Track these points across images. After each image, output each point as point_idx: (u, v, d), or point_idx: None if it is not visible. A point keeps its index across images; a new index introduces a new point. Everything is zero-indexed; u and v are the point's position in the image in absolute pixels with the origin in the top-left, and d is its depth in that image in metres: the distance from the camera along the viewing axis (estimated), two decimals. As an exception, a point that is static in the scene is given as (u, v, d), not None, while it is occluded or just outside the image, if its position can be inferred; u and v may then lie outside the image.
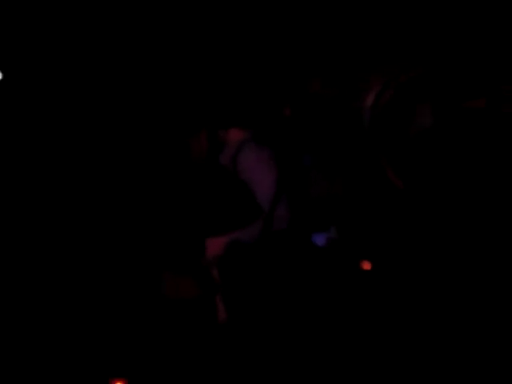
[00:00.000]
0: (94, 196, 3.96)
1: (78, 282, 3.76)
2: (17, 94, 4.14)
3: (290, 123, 3.59)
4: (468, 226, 3.45)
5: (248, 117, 3.51)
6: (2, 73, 3.99)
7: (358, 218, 3.80)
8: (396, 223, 3.62)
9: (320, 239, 3.52)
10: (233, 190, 3.46)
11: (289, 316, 3.40)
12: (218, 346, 3.43)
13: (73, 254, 3.84)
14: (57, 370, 3.58)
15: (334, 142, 4.04)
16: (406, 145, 3.75)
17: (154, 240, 3.58)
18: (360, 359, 3.48)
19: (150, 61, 4.27)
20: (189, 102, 3.69)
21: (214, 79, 3.92)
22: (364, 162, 4.10)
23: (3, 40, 4.13)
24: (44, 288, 3.82)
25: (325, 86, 3.97)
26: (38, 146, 4.16)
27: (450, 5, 4.08)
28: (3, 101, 4.01)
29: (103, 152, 4.13)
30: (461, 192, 3.40)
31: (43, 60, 4.23)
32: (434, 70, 3.86)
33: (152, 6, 4.29)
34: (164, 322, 3.49)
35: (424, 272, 3.45)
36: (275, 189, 3.21)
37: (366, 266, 3.70)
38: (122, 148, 4.21)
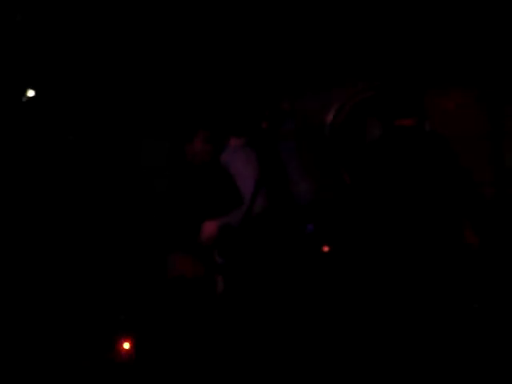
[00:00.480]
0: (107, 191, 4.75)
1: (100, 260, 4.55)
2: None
3: (267, 134, 4.45)
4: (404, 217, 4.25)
5: (240, 128, 4.39)
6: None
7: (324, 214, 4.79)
8: (348, 216, 4.50)
9: (310, 227, 4.53)
10: (223, 183, 4.23)
11: (270, 280, 4.21)
12: (215, 312, 4.26)
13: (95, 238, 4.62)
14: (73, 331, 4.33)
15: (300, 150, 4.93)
16: (357, 152, 4.61)
17: (160, 227, 4.41)
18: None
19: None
20: (186, 116, 4.56)
21: (212, 101, 4.87)
22: (326, 166, 5.09)
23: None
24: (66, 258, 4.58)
25: (293, 106, 4.83)
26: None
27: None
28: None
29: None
30: (398, 189, 3.92)
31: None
32: (380, 94, 4.84)
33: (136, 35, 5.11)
34: (168, 294, 4.31)
35: (367, 252, 4.31)
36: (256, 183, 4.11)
37: (326, 248, 4.70)
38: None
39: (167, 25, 5.20)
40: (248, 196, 4.05)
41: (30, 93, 4.43)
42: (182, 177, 4.42)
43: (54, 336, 4.26)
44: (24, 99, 4.38)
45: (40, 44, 4.89)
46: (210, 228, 4.07)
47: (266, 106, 4.58)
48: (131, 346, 4.19)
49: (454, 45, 5.21)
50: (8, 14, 4.91)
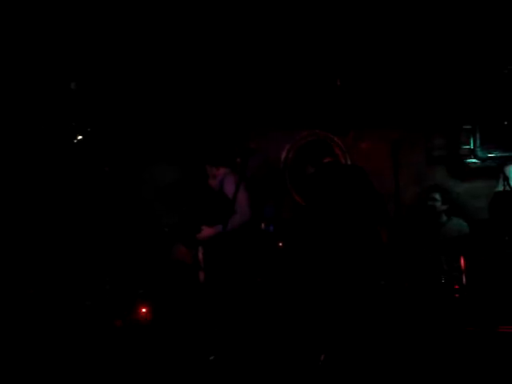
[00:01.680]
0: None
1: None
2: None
3: (241, 166, 5.50)
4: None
5: (225, 161, 5.66)
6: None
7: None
8: (299, 222, 5.62)
9: (271, 228, 5.70)
10: (219, 201, 5.40)
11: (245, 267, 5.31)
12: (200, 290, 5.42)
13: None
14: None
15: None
16: (303, 180, 5.69)
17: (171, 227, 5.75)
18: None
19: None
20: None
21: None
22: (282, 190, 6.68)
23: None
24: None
25: (258, 145, 6.34)
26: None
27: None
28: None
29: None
30: (331, 205, 4.92)
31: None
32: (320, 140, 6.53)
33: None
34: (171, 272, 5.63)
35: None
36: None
37: (280, 244, 5.76)
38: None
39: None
40: (240, 208, 5.20)
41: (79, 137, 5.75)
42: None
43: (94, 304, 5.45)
44: (75, 140, 5.70)
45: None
46: (207, 231, 5.39)
47: (237, 145, 5.91)
48: (147, 311, 5.40)
49: (365, 107, 6.79)
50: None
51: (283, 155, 7.01)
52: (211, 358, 4.86)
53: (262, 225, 5.64)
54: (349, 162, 6.82)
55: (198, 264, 5.50)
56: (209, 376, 4.70)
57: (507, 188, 5.54)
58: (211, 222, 5.42)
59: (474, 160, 6.93)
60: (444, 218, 6.05)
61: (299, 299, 5.14)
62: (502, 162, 6.48)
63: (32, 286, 5.69)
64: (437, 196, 6.07)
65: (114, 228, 5.77)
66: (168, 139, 6.69)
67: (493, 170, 6.67)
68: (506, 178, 5.64)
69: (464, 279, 5.25)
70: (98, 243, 5.84)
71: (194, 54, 6.16)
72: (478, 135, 6.85)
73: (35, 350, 5.00)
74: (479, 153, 6.87)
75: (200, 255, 5.53)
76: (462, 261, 5.30)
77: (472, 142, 6.89)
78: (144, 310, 5.49)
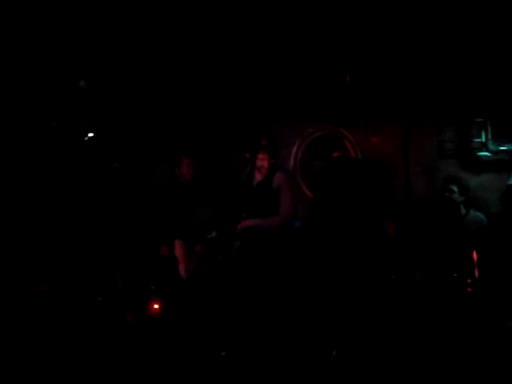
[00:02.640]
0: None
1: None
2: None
3: (251, 163, 5.47)
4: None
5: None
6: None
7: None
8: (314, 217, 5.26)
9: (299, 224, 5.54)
10: (265, 196, 5.21)
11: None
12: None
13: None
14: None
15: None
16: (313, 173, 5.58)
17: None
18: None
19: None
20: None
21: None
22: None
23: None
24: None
25: (268, 142, 5.97)
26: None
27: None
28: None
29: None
30: (342, 198, 4.84)
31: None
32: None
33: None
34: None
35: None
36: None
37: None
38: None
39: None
40: (283, 208, 5.14)
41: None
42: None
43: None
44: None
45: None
46: (247, 222, 5.24)
47: (250, 141, 5.63)
48: (160, 306, 5.45)
49: (376, 100, 6.81)
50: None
51: (294, 150, 7.06)
52: (223, 353, 4.88)
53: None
54: (359, 156, 6.81)
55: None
56: (220, 372, 4.70)
57: (519, 181, 5.49)
58: (251, 214, 5.33)
59: (485, 153, 6.93)
60: (463, 210, 6.01)
61: (311, 294, 5.12)
62: (514, 155, 6.43)
63: (44, 283, 5.75)
64: (454, 187, 6.00)
65: (125, 224, 5.76)
66: (178, 135, 6.76)
67: (505, 163, 6.69)
68: (518, 172, 5.60)
69: (477, 273, 5.22)
70: (110, 239, 5.88)
71: (205, 50, 6.24)
72: (489, 128, 6.87)
73: (46, 346, 5.03)
74: (491, 146, 6.88)
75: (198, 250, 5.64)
76: (475, 255, 5.26)
77: (484, 135, 6.91)
78: (156, 305, 5.53)
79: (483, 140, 6.90)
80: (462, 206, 6.04)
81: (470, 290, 5.22)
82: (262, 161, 5.34)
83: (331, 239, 4.87)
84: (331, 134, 5.23)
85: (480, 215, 6.07)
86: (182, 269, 5.58)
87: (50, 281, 5.79)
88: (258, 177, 5.37)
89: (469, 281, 5.26)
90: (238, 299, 5.23)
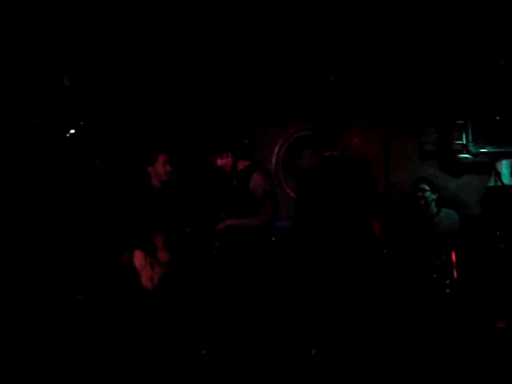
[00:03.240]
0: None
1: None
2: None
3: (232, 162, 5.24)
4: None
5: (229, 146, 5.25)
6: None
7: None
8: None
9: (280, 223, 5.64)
10: (243, 198, 5.06)
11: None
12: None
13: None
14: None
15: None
16: (296, 174, 5.51)
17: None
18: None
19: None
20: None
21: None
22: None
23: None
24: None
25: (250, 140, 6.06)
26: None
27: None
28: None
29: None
30: (329, 198, 4.73)
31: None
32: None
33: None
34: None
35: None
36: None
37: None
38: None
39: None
40: (263, 209, 5.00)
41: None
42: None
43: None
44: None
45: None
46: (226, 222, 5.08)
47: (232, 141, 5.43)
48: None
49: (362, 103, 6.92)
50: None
51: (276, 150, 7.10)
52: (203, 352, 4.89)
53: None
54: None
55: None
56: (201, 370, 4.72)
57: (499, 183, 5.56)
58: (233, 215, 5.17)
59: (466, 155, 7.01)
60: (434, 209, 6.09)
61: (294, 294, 5.19)
62: (494, 158, 6.54)
63: (24, 280, 5.73)
64: (425, 186, 6.07)
65: (104, 222, 5.70)
66: (162, 134, 6.74)
67: (485, 166, 6.77)
68: (498, 174, 5.69)
69: (455, 274, 5.28)
70: (89, 236, 5.80)
71: (187, 47, 6.20)
72: (470, 130, 6.93)
73: (28, 343, 5.03)
74: (471, 148, 6.95)
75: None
76: (454, 256, 5.32)
77: (464, 137, 6.97)
78: None
79: (464, 142, 6.96)
80: (433, 205, 6.09)
81: (448, 291, 5.27)
82: (221, 161, 5.24)
83: (319, 240, 4.79)
84: (329, 131, 5.01)
85: (453, 213, 6.14)
86: (144, 281, 5.06)
87: (30, 278, 5.70)
88: (236, 178, 5.29)
89: (447, 281, 5.30)
90: (218, 298, 5.18)
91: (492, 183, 6.02)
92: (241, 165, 5.26)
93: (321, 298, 4.68)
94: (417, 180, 6.24)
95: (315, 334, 4.75)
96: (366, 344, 4.46)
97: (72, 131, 5.67)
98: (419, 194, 6.10)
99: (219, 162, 5.23)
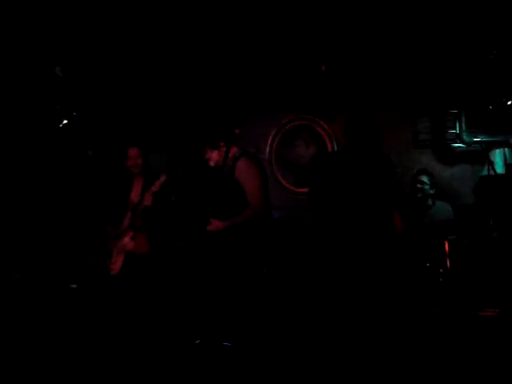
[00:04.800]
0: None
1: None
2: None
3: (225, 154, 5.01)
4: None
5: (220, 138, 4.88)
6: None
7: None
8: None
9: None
10: (229, 189, 4.76)
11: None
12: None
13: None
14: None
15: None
16: (289, 163, 6.07)
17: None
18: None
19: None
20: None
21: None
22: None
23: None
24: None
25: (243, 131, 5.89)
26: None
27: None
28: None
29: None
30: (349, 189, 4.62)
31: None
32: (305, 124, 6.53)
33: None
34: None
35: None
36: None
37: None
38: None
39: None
40: (251, 199, 4.68)
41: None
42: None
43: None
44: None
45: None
46: (217, 224, 4.72)
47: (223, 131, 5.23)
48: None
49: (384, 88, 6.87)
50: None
51: (269, 140, 7.07)
52: (197, 341, 4.83)
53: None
54: (335, 147, 6.85)
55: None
56: (195, 360, 4.67)
57: (492, 172, 5.57)
58: (222, 213, 4.84)
59: (459, 144, 7.03)
60: (430, 201, 6.09)
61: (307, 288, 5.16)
62: (488, 147, 6.53)
63: (18, 271, 5.73)
64: (425, 179, 6.05)
65: (96, 211, 5.67)
66: (154, 124, 6.73)
67: (478, 155, 6.77)
68: (491, 163, 5.70)
69: (448, 263, 5.30)
70: (80, 228, 5.81)
71: (181, 38, 6.17)
72: (463, 119, 6.96)
73: (23, 335, 5.04)
74: (465, 137, 6.98)
75: None
76: (447, 245, 5.33)
77: (458, 126, 7.00)
78: None
79: (457, 131, 6.99)
80: (430, 198, 6.09)
81: (441, 279, 5.28)
82: (213, 160, 4.97)
83: (336, 227, 4.71)
84: (362, 119, 4.83)
85: (447, 206, 6.15)
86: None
87: (24, 269, 5.75)
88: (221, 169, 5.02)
89: (441, 271, 5.31)
90: (216, 290, 4.98)
91: (485, 172, 6.02)
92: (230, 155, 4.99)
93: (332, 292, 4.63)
94: (417, 171, 6.23)
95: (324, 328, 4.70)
96: (373, 336, 4.45)
97: (65, 121, 5.66)
98: (418, 185, 6.08)
99: (212, 154, 4.95)
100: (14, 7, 5.51)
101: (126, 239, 5.14)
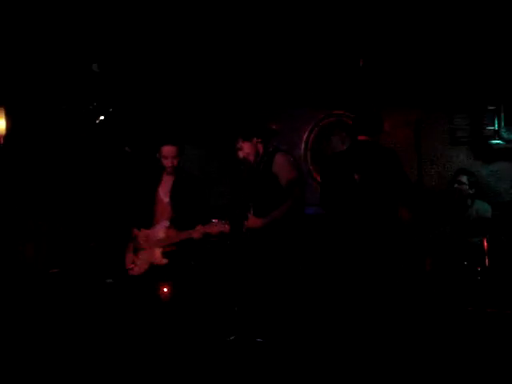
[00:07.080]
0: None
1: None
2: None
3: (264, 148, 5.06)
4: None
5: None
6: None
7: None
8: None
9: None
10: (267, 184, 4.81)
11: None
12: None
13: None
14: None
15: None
16: (325, 159, 5.93)
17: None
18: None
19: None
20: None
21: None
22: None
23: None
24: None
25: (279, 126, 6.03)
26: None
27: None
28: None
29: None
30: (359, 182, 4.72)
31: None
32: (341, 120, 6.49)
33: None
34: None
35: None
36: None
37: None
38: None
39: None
40: (290, 192, 4.73)
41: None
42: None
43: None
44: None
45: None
46: (255, 222, 4.78)
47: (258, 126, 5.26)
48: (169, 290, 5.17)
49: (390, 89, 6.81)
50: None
51: (304, 136, 7.03)
52: (231, 338, 4.82)
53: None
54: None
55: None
56: (228, 356, 4.68)
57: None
58: (260, 208, 4.83)
59: (498, 141, 6.91)
60: (469, 201, 5.99)
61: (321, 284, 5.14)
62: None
63: (55, 266, 5.80)
64: (464, 179, 5.95)
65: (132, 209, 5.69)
66: (191, 120, 6.74)
67: (517, 152, 6.64)
68: (530, 160, 5.61)
69: (487, 261, 5.24)
70: (118, 224, 5.83)
71: (214, 34, 6.17)
72: (502, 116, 6.85)
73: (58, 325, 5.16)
74: (504, 134, 6.89)
75: None
76: (485, 243, 5.27)
77: (496, 122, 6.89)
78: (165, 289, 5.32)
79: (496, 128, 6.89)
80: (469, 198, 5.99)
81: (479, 278, 5.22)
82: (243, 151, 5.00)
83: (342, 223, 4.82)
84: (371, 116, 4.95)
85: (485, 205, 6.04)
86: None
87: (62, 263, 5.83)
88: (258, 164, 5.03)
89: (478, 269, 5.25)
90: (247, 284, 5.01)
91: (524, 169, 5.94)
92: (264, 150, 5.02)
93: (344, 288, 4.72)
94: (457, 171, 6.15)
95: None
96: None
97: (101, 118, 5.69)
98: (456, 185, 5.99)
99: (243, 145, 4.97)
100: (53, 5, 5.57)
101: (161, 233, 5.16)
